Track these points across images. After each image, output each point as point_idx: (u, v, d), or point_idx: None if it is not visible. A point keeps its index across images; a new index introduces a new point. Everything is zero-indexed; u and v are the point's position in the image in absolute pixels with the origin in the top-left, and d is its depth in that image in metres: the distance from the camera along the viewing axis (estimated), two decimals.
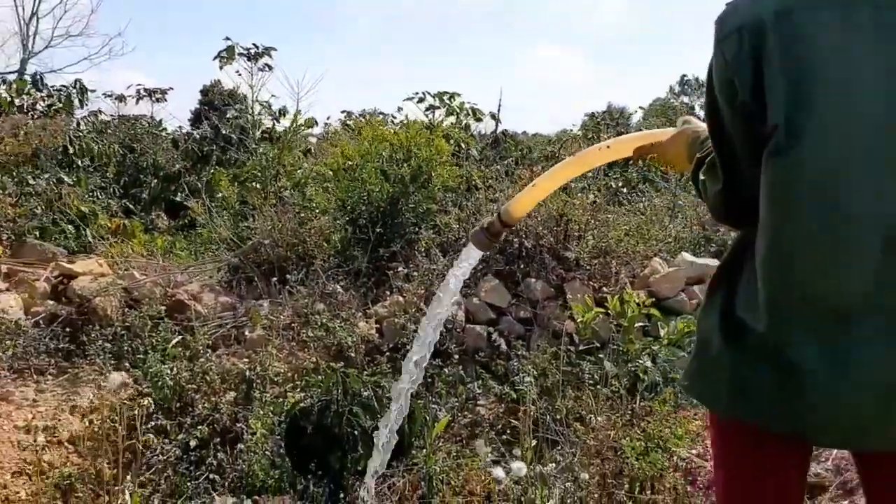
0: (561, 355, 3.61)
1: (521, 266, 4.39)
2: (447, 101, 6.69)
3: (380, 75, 36.06)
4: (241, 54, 6.75)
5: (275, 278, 4.37)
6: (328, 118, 10.01)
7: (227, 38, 6.65)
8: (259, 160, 6.27)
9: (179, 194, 7.90)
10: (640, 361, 3.59)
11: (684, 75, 25.24)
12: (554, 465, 2.56)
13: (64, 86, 8.00)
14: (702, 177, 1.21)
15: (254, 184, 5.85)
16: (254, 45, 6.82)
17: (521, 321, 4.19)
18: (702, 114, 1.41)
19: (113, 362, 3.78)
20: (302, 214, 4.81)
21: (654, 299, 4.01)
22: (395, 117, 8.05)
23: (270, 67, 7.03)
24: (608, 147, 1.53)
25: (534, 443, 2.75)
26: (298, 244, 4.59)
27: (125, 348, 3.80)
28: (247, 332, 3.96)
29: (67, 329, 3.90)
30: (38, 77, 8.17)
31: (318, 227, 4.71)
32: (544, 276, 4.37)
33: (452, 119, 6.72)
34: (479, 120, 6.91)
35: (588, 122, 9.71)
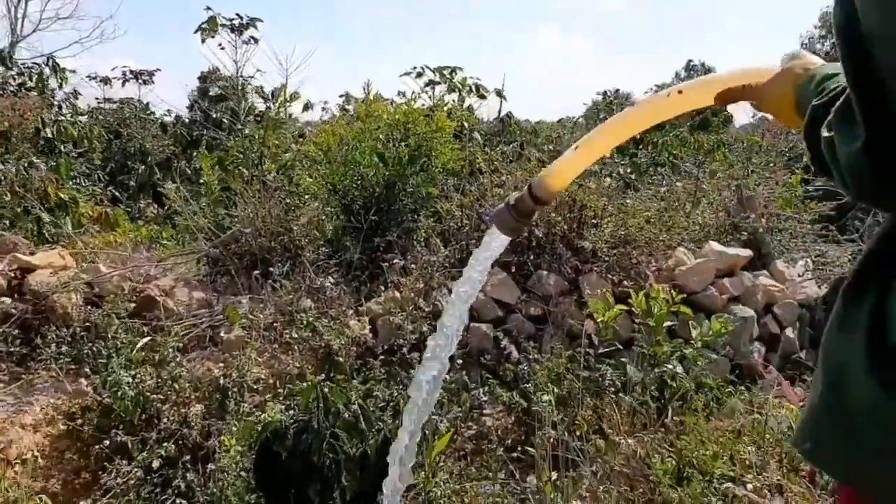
0: (578, 359, 3.19)
1: (532, 257, 3.96)
2: (448, 76, 6.18)
3: (378, 75, 35.83)
4: (223, 26, 6.23)
5: (257, 271, 3.94)
6: (325, 102, 9.53)
7: (209, 9, 6.13)
8: (242, 141, 5.79)
9: (169, 181, 7.48)
10: (669, 366, 3.15)
11: (690, 60, 24.71)
12: (579, 502, 2.12)
13: (36, 63, 7.50)
14: (825, 133, 0.76)
15: (238, 167, 5.39)
16: (237, 15, 6.32)
17: (532, 319, 3.78)
18: None
19: (72, 367, 3.38)
20: (288, 200, 4.35)
21: (682, 294, 3.55)
22: (393, 101, 7.59)
23: (256, 40, 6.54)
24: (679, 93, 1.08)
25: (554, 475, 2.30)
26: (284, 233, 4.16)
27: (86, 351, 3.39)
28: (223, 333, 3.54)
29: (21, 330, 3.48)
30: (7, 54, 7.66)
31: (306, 215, 4.27)
32: (557, 268, 3.94)
33: (454, 97, 6.23)
34: (482, 97, 6.39)
35: (600, 102, 9.17)
